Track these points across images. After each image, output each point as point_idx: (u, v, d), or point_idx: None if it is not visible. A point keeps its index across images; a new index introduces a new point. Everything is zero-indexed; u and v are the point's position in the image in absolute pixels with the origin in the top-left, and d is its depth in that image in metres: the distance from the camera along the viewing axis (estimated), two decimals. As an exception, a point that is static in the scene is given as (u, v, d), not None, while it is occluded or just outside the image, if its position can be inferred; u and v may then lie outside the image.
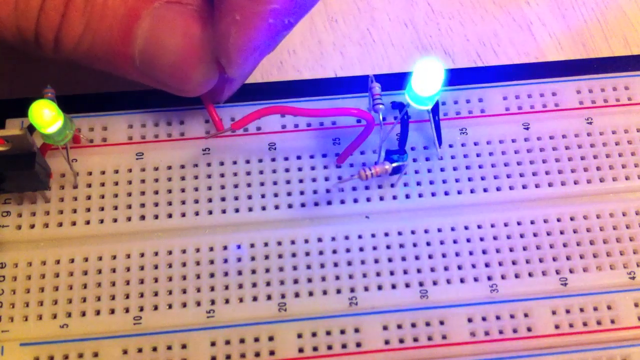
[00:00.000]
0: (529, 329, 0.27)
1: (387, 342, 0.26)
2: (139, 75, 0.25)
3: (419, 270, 0.27)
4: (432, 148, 0.29)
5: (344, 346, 0.26)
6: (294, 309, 0.27)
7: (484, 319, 0.27)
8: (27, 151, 0.26)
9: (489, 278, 0.27)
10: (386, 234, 0.28)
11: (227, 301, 0.27)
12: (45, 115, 0.24)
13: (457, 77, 0.30)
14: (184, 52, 0.25)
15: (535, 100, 0.30)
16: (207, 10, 0.25)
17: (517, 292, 0.27)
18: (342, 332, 0.26)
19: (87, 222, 0.28)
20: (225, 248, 0.28)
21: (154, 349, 0.26)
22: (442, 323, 0.27)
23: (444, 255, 0.27)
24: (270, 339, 0.26)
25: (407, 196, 0.28)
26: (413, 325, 0.27)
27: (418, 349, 0.26)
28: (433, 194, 0.29)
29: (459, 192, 0.29)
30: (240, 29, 0.24)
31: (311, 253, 0.27)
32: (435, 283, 0.27)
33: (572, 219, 0.28)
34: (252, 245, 0.28)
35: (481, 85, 0.30)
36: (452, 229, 0.28)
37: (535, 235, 0.28)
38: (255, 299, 0.27)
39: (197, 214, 0.28)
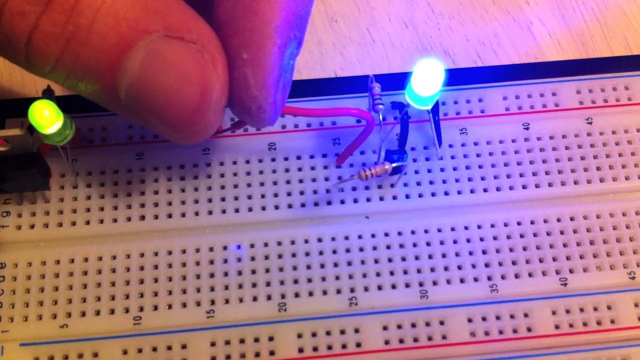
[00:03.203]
0: (529, 329, 0.27)
1: (387, 342, 0.26)
2: (125, 112, 0.22)
3: (419, 271, 0.27)
4: (432, 148, 0.29)
5: (344, 346, 0.26)
6: (294, 309, 0.27)
7: (484, 319, 0.27)
8: (27, 151, 0.26)
9: (489, 278, 0.27)
10: (386, 234, 0.28)
11: (227, 301, 0.27)
12: (45, 116, 0.24)
13: (457, 77, 0.30)
14: (178, 96, 0.21)
15: (535, 100, 0.30)
16: (212, 54, 0.21)
17: (517, 292, 0.27)
18: (342, 332, 0.26)
19: (87, 222, 0.28)
20: (225, 248, 0.28)
21: (154, 349, 0.26)
22: (442, 323, 0.27)
23: (443, 256, 0.27)
24: (270, 339, 0.26)
25: (407, 196, 0.28)
26: (413, 325, 0.27)
27: (418, 349, 0.26)
28: (433, 194, 0.29)
29: (459, 192, 0.29)
30: (255, 65, 0.22)
31: (311, 253, 0.27)
32: (435, 283, 0.27)
33: (572, 219, 0.28)
34: (252, 245, 0.28)
35: (481, 85, 0.30)
36: (452, 229, 0.28)
37: (535, 235, 0.28)
38: (255, 299, 0.27)
39: (197, 214, 0.28)
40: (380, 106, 0.27)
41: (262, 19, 0.21)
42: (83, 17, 0.20)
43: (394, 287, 0.27)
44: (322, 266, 0.27)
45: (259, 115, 0.23)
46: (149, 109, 0.21)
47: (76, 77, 0.21)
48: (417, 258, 0.27)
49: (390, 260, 0.27)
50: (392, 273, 0.27)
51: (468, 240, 0.28)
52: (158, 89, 0.21)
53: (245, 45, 0.22)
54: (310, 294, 0.27)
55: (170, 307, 0.27)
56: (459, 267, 0.27)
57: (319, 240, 0.28)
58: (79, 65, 0.21)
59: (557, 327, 0.27)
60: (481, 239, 0.28)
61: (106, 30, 0.20)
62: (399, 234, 0.28)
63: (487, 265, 0.27)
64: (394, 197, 0.28)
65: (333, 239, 0.28)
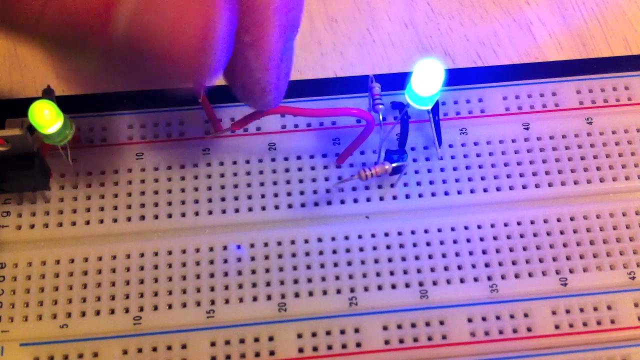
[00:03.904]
0: (529, 329, 0.27)
1: (387, 342, 0.26)
2: (119, 60, 0.20)
3: (418, 271, 0.27)
4: (432, 148, 0.29)
5: (344, 346, 0.26)
6: (294, 309, 0.27)
7: (484, 319, 0.27)
8: (27, 151, 0.26)
9: (489, 278, 0.27)
10: (386, 234, 0.28)
11: (227, 301, 0.27)
12: (45, 116, 0.24)
13: (457, 77, 0.30)
14: (178, 29, 0.20)
15: (535, 100, 0.30)
16: None
17: (517, 292, 0.27)
18: (342, 332, 0.26)
19: (87, 222, 0.28)
20: (225, 248, 0.28)
21: (154, 349, 0.26)
22: (442, 323, 0.27)
23: (443, 256, 0.27)
24: (270, 339, 0.26)
25: (407, 196, 0.28)
26: (413, 325, 0.27)
27: (418, 349, 0.26)
28: (433, 194, 0.29)
29: (459, 192, 0.29)
30: (256, 48, 0.22)
31: (311, 253, 0.27)
32: (435, 283, 0.27)
33: (572, 219, 0.28)
34: (252, 245, 0.28)
35: (481, 85, 0.30)
36: (452, 229, 0.28)
37: (535, 235, 0.28)
38: (255, 299, 0.27)
39: (197, 214, 0.28)
40: (380, 106, 0.27)
41: (261, 1, 0.21)
42: None
43: (394, 287, 0.27)
44: (322, 266, 0.27)
45: (262, 98, 0.23)
46: (148, 51, 0.20)
47: (63, 31, 0.19)
48: (417, 258, 0.27)
49: (390, 260, 0.27)
50: (392, 273, 0.27)
51: (468, 240, 0.28)
52: (157, 26, 0.19)
53: (245, 28, 0.21)
54: (310, 294, 0.27)
55: (170, 307, 0.27)
56: (459, 267, 0.27)
57: (319, 240, 0.28)
58: (66, 15, 0.19)
59: (557, 327, 0.27)
60: (481, 239, 0.28)
61: None
62: (399, 234, 0.28)
63: (487, 265, 0.27)
64: (394, 197, 0.28)
65: (333, 239, 0.28)
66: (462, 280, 0.27)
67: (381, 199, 0.28)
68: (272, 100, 0.23)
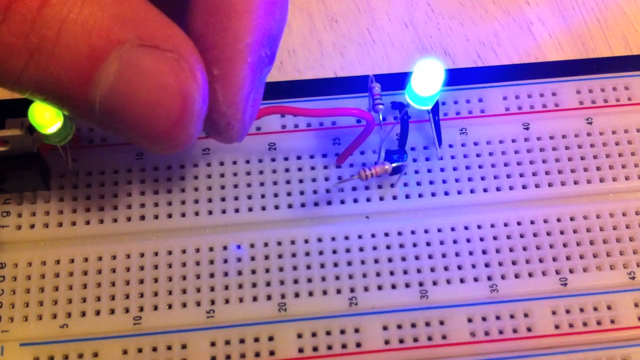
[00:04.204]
0: (529, 329, 0.27)
1: (387, 342, 0.26)
2: (98, 123, 0.21)
3: (419, 271, 0.27)
4: (432, 148, 0.29)
5: (344, 346, 0.26)
6: (294, 309, 0.27)
7: (484, 319, 0.27)
8: (27, 151, 0.26)
9: (489, 278, 0.27)
10: (386, 234, 0.28)
11: (227, 301, 0.27)
12: (45, 116, 0.24)
13: (457, 77, 0.30)
14: (156, 107, 0.20)
15: (535, 100, 0.30)
16: (190, 62, 0.20)
17: (517, 292, 0.27)
18: (342, 332, 0.26)
19: (87, 222, 0.28)
20: (225, 248, 0.28)
21: (154, 349, 0.26)
22: (442, 323, 0.27)
23: (443, 256, 0.27)
24: (270, 339, 0.26)
25: (407, 196, 0.28)
26: (413, 325, 0.27)
27: (418, 349, 0.26)
28: (433, 194, 0.29)
29: (459, 192, 0.29)
30: (225, 82, 0.21)
31: (311, 253, 0.27)
32: (435, 283, 0.27)
33: (572, 219, 0.28)
34: (252, 245, 0.28)
35: (481, 85, 0.30)
36: (452, 229, 0.28)
37: (535, 235, 0.28)
38: (255, 299, 0.27)
39: (197, 214, 0.28)
40: (380, 106, 0.27)
41: (234, 35, 0.21)
42: (47, 28, 0.19)
43: (394, 287, 0.27)
44: (322, 266, 0.27)
45: (226, 132, 0.22)
46: (126, 122, 0.20)
47: (44, 91, 0.20)
48: (417, 258, 0.27)
49: (390, 260, 0.27)
50: (392, 273, 0.27)
51: (468, 240, 0.28)
52: (135, 102, 0.20)
53: (216, 61, 0.21)
54: (310, 294, 0.27)
55: (170, 307, 0.27)
56: (459, 267, 0.27)
57: (319, 240, 0.28)
58: (47, 78, 0.19)
59: (557, 327, 0.27)
60: (481, 239, 0.28)
61: (75, 42, 0.19)
62: (399, 234, 0.28)
63: (487, 265, 0.27)
64: (394, 197, 0.28)
65: (333, 239, 0.28)
66: (462, 280, 0.27)
67: (381, 199, 0.28)
68: (235, 135, 0.23)
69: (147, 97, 0.20)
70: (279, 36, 0.22)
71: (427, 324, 0.27)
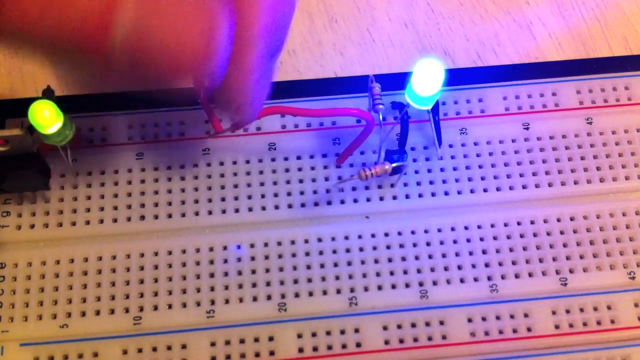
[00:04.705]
0: (528, 329, 0.27)
1: (387, 342, 0.26)
2: (119, 67, 0.21)
3: (418, 271, 0.27)
4: (432, 148, 0.29)
5: (344, 346, 0.26)
6: (294, 309, 0.27)
7: (484, 319, 0.27)
8: (27, 151, 0.26)
9: (489, 278, 0.27)
10: (386, 234, 0.28)
11: (227, 301, 0.27)
12: (45, 116, 0.24)
13: (457, 77, 0.30)
14: (178, 43, 0.20)
15: (535, 100, 0.30)
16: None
17: (517, 292, 0.27)
18: (342, 332, 0.26)
19: (87, 222, 0.28)
20: (225, 248, 0.28)
21: (154, 349, 0.26)
22: (442, 323, 0.27)
23: (443, 256, 0.27)
24: (270, 339, 0.26)
25: (407, 196, 0.28)
26: (413, 325, 0.27)
27: (418, 349, 0.26)
28: (433, 194, 0.29)
29: (459, 192, 0.29)
30: (236, 67, 0.22)
31: (311, 253, 0.27)
32: (435, 283, 0.27)
33: (572, 219, 0.28)
34: (252, 245, 0.28)
35: (481, 85, 0.30)
36: (452, 229, 0.28)
37: (535, 235, 0.28)
38: (255, 299, 0.27)
39: (197, 214, 0.28)
40: (380, 106, 0.27)
41: (245, 24, 0.22)
42: None
43: (394, 287, 0.27)
44: (322, 266, 0.27)
45: (237, 114, 0.24)
46: (149, 60, 0.20)
47: (59, 42, 0.20)
48: (417, 258, 0.27)
49: (390, 260, 0.27)
50: (392, 273, 0.27)
51: (468, 240, 0.28)
52: (156, 39, 0.20)
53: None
54: (310, 294, 0.27)
55: (170, 307, 0.27)
56: (459, 267, 0.27)
57: (319, 240, 0.28)
58: (63, 28, 0.19)
59: (557, 327, 0.27)
60: (481, 239, 0.28)
61: None
62: (399, 234, 0.28)
63: (487, 265, 0.27)
64: (394, 197, 0.28)
65: (333, 239, 0.28)
66: (462, 280, 0.27)
67: (381, 199, 0.28)
68: (245, 118, 0.24)
69: (173, 27, 0.20)
70: (287, 25, 0.23)
71: (427, 324, 0.26)
